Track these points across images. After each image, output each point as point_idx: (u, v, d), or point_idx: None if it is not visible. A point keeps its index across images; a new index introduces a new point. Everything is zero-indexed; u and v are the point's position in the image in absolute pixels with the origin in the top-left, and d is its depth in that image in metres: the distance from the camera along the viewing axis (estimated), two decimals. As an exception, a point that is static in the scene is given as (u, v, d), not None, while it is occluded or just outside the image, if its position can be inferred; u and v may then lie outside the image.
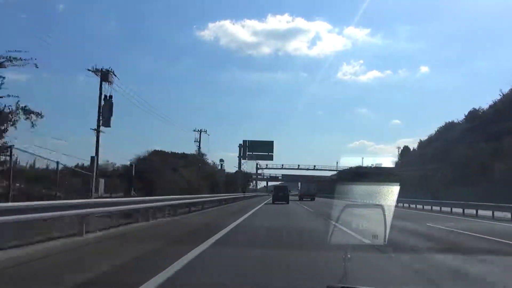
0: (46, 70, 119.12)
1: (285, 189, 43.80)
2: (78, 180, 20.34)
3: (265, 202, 41.72)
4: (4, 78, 13.67)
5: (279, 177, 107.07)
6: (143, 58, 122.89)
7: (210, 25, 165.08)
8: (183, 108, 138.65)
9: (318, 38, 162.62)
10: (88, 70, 25.03)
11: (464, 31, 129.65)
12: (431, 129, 78.43)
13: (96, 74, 25.09)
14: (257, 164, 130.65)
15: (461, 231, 13.87)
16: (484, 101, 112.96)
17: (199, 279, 5.92)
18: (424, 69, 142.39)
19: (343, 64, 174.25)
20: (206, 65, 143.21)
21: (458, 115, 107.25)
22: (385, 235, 4.42)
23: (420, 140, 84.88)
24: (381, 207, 4.55)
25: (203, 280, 5.86)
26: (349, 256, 4.64)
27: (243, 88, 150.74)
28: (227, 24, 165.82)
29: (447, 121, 75.08)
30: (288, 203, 39.47)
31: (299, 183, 70.63)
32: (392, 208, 5.01)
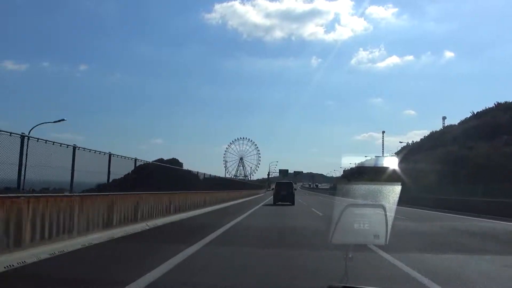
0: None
1: (289, 187, 32.84)
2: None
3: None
4: None
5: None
6: (144, 44, 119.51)
7: (217, 6, 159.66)
8: (185, 98, 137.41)
9: (337, 21, 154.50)
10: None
11: (499, 11, 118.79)
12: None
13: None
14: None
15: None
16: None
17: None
18: (449, 54, 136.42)
19: (360, 50, 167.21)
20: (212, 51, 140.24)
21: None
22: (386, 235, 4.41)
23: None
24: (382, 206, 4.54)
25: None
26: (350, 255, 4.64)
27: (251, 76, 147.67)
28: (236, 4, 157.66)
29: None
30: (293, 204, 30.64)
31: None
32: (394, 208, 5.00)
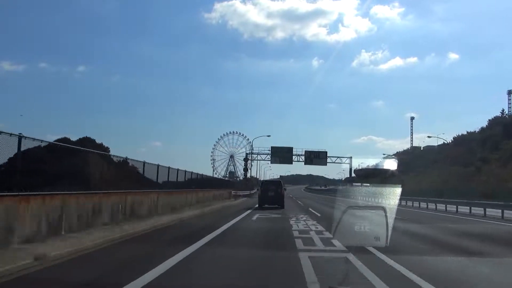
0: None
1: (277, 186, 28.58)
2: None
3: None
4: None
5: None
6: (142, 43, 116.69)
7: (217, 5, 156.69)
8: (185, 99, 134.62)
9: (340, 21, 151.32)
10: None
11: (505, 12, 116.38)
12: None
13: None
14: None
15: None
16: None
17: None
18: (453, 56, 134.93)
19: (363, 52, 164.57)
20: (212, 52, 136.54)
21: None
22: (387, 237, 4.42)
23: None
24: (383, 208, 4.55)
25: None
26: (350, 257, 4.66)
27: (251, 77, 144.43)
28: (237, 3, 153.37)
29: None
30: (283, 206, 26.79)
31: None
32: (395, 209, 5.01)
